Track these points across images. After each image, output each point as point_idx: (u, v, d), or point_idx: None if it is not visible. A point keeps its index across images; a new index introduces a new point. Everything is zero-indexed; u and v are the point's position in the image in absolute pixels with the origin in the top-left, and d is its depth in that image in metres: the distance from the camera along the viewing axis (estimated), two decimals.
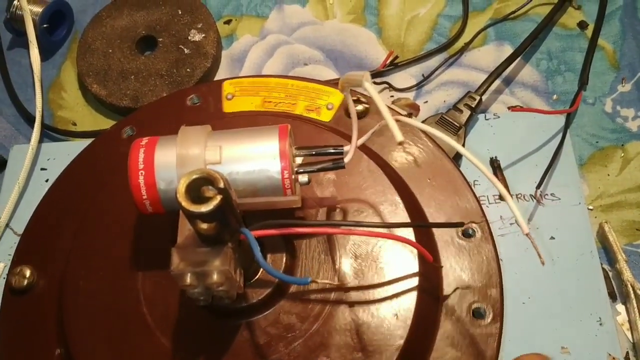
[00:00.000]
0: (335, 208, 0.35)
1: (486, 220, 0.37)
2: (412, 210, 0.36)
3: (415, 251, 0.34)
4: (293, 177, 0.31)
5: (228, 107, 0.41)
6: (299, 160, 0.32)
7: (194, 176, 0.25)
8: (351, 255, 0.34)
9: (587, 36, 0.49)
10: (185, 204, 0.24)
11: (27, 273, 0.37)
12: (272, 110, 0.42)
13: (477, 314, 0.34)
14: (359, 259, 0.34)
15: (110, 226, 0.36)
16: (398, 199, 0.36)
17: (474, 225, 0.37)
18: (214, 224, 0.26)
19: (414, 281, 0.33)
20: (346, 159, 0.31)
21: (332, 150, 0.32)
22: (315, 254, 0.34)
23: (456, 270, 0.35)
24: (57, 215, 0.40)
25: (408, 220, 0.35)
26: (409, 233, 0.34)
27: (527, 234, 0.29)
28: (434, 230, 0.37)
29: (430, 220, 0.37)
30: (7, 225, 0.44)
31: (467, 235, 0.37)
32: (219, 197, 0.25)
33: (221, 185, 0.25)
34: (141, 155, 0.30)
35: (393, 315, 0.32)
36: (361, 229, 0.31)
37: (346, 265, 0.34)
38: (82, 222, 0.37)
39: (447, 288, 0.35)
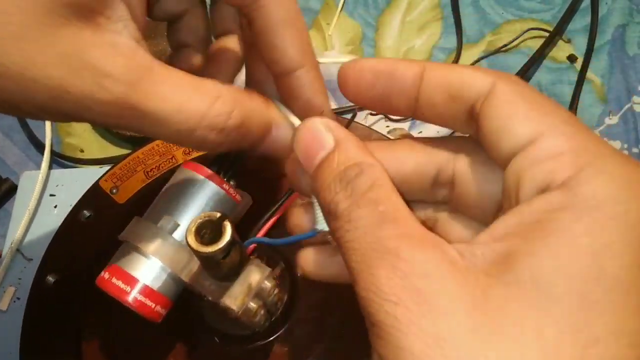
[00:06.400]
0: None
1: None
2: None
3: None
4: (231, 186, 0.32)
5: (120, 198, 0.42)
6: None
7: (195, 225, 0.27)
8: None
9: (577, 69, 0.51)
10: (208, 249, 0.26)
11: None
12: (159, 174, 0.42)
13: None
14: None
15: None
16: None
17: None
18: (235, 248, 0.28)
19: None
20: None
21: None
22: None
23: None
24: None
25: None
26: None
27: None
28: None
29: None
30: (17, 249, 0.46)
31: None
32: (227, 225, 0.27)
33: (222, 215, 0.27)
34: (116, 282, 0.29)
35: None
36: None
37: None
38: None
39: None
